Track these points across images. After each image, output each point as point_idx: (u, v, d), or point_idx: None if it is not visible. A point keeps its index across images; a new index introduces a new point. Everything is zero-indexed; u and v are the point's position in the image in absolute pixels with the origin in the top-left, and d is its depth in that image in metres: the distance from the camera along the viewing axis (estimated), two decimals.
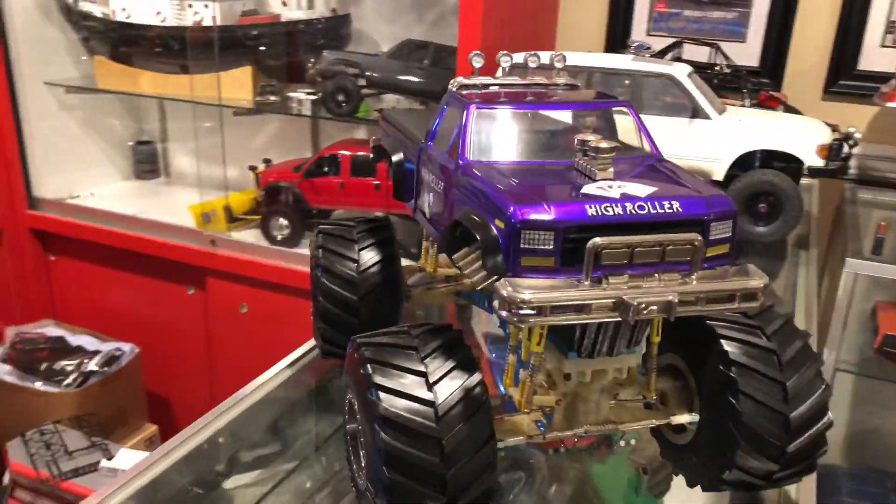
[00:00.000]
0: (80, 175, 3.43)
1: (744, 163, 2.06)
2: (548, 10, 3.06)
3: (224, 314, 3.07)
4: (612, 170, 0.97)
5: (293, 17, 3.04)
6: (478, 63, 1.20)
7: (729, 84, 2.77)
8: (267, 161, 3.08)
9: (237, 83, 2.98)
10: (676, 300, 0.88)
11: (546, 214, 0.89)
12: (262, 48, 2.98)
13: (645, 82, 2.06)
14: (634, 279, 0.89)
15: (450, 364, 0.94)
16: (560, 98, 1.17)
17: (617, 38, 3.08)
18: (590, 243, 0.87)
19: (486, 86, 1.20)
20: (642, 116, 2.02)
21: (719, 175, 2.03)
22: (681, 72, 2.04)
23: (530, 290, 0.86)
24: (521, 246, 0.89)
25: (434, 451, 0.89)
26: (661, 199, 0.92)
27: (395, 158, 1.30)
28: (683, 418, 1.08)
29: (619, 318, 0.88)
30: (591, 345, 0.99)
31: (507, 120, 1.10)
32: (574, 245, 0.88)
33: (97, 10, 3.10)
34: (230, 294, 3.01)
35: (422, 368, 0.93)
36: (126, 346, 3.07)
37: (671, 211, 0.92)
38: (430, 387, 0.92)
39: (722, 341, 1.03)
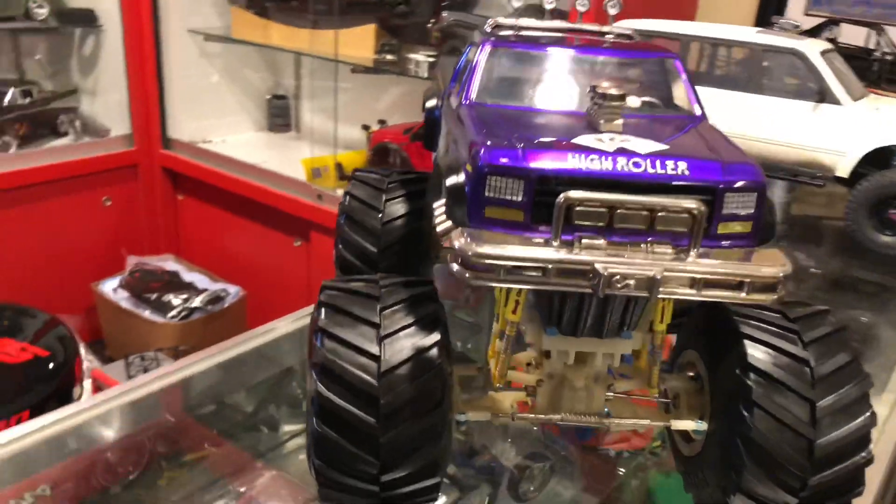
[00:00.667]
0: (215, 122, 3.58)
1: (882, 160, 1.79)
2: None
3: (325, 268, 3.09)
4: (619, 121, 0.83)
5: None
6: (518, 2, 1.09)
7: (892, 73, 2.44)
8: (382, 122, 3.06)
9: (360, 40, 2.97)
10: (660, 277, 0.73)
11: (517, 160, 0.77)
12: (388, 6, 2.95)
13: (767, 58, 1.82)
14: (615, 247, 0.75)
15: (409, 319, 0.84)
16: (592, 44, 1.03)
17: (768, 15, 2.78)
18: (560, 197, 0.74)
19: (523, 28, 1.08)
20: (759, 98, 1.83)
21: (844, 171, 1.77)
22: (812, 48, 1.79)
23: (487, 243, 0.75)
24: (487, 194, 0.78)
25: (371, 410, 0.80)
26: (664, 158, 0.78)
27: (428, 105, 1.21)
28: (687, 424, 0.92)
29: (589, 290, 0.75)
30: (572, 320, 0.85)
31: (524, 61, 0.98)
32: (550, 199, 0.76)
33: None
34: (332, 249, 3.03)
35: (376, 320, 0.84)
36: (233, 289, 3.18)
37: (674, 173, 0.77)
38: (380, 340, 0.83)
39: (745, 342, 0.86)
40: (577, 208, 0.75)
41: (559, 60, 0.98)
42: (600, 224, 0.75)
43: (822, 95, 1.75)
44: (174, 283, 3.17)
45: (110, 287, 3.15)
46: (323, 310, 0.86)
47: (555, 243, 0.75)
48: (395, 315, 0.85)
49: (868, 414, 0.84)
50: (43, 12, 3.21)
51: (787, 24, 2.14)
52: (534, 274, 0.75)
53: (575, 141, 0.80)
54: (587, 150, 0.78)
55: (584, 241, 0.75)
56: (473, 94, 0.95)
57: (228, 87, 3.66)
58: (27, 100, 3.16)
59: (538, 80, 0.97)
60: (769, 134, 1.79)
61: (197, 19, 3.41)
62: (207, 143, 3.52)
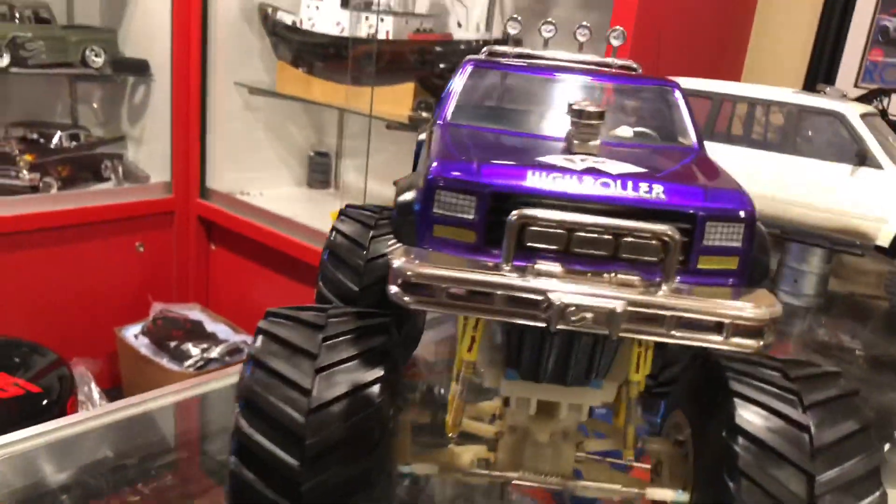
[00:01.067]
0: (255, 175, 3.60)
1: None
2: (734, 38, 2.76)
3: None
4: (596, 143, 0.75)
5: (464, 38, 2.99)
6: (513, 30, 1.03)
7: None
8: None
9: (398, 98, 2.97)
10: (622, 311, 0.63)
11: (471, 175, 0.69)
12: (428, 65, 2.95)
13: (804, 119, 1.72)
14: (574, 275, 0.66)
15: (351, 352, 0.76)
16: (584, 70, 0.95)
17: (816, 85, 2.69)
18: (512, 214, 0.66)
19: (519, 55, 1.02)
20: (794, 159, 1.72)
21: (885, 240, 1.63)
22: (851, 110, 1.68)
23: (429, 264, 0.67)
24: (436, 211, 0.70)
25: (294, 450, 0.71)
26: (638, 180, 0.69)
27: (418, 138, 1.15)
28: (664, 494, 0.80)
29: (542, 323, 0.65)
30: (532, 362, 0.75)
31: (506, 84, 0.91)
32: (504, 220, 0.68)
33: (288, 19, 3.26)
34: None
35: (313, 350, 0.76)
36: None
37: (647, 196, 0.68)
38: (314, 373, 0.74)
39: (734, 400, 0.75)
40: (532, 228, 0.66)
41: (544, 84, 0.91)
42: (558, 248, 0.67)
43: (862, 159, 1.63)
44: (196, 332, 3.14)
45: (132, 333, 3.13)
46: (260, 337, 0.78)
47: (506, 267, 0.66)
48: (337, 347, 0.77)
49: (878, 493, 0.71)
50: (99, 60, 3.32)
51: (835, 91, 2.04)
52: (480, 301, 0.66)
53: (541, 159, 0.72)
54: (551, 169, 0.70)
55: (537, 266, 0.66)
56: (448, 115, 0.88)
57: (271, 142, 3.70)
58: (73, 143, 3.23)
59: (520, 104, 0.90)
60: (805, 197, 1.68)
61: (245, 73, 3.47)
62: (245, 195, 3.53)
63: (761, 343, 0.65)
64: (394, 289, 0.68)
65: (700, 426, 0.80)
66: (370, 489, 0.72)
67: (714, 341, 0.65)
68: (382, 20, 2.99)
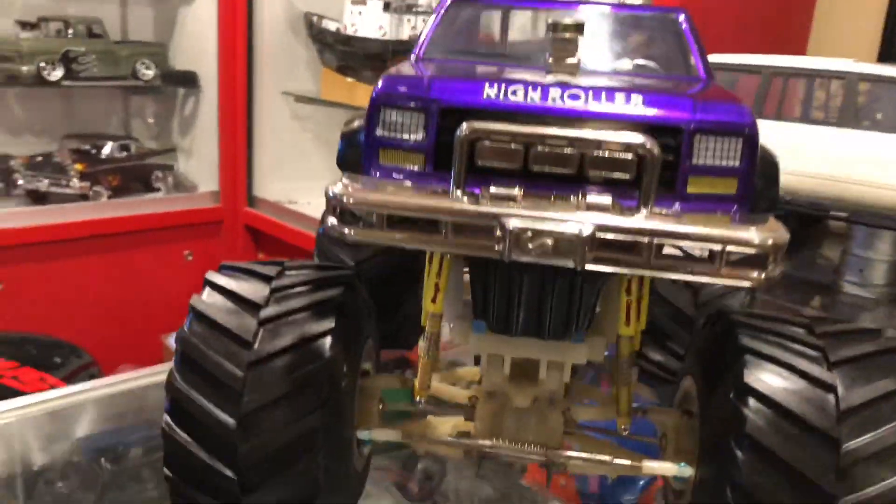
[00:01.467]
0: (303, 184, 3.57)
1: None
2: (795, 21, 2.61)
3: None
4: (574, 60, 0.65)
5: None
6: None
7: None
8: None
9: None
10: (588, 234, 0.53)
11: (418, 89, 0.61)
12: None
13: (867, 89, 1.57)
14: (534, 200, 0.56)
15: (301, 303, 0.68)
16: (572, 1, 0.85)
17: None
18: (461, 127, 0.57)
19: None
20: (855, 133, 1.57)
21: None
22: None
23: (368, 189, 0.58)
24: (380, 133, 0.62)
25: (231, 408, 0.64)
26: (613, 91, 0.59)
27: None
28: (664, 468, 0.68)
29: (496, 255, 0.56)
30: (502, 311, 0.66)
31: (488, 16, 0.82)
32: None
33: (332, 26, 3.24)
34: None
35: (259, 301, 0.68)
36: None
37: (625, 109, 0.58)
38: (259, 324, 0.67)
39: (745, 357, 0.63)
40: (485, 144, 0.57)
41: (529, 17, 0.82)
42: (516, 168, 0.57)
43: None
44: None
45: None
46: (206, 288, 0.71)
47: (455, 192, 0.57)
48: (288, 298, 0.69)
49: None
50: (149, 73, 3.37)
51: None
52: (426, 230, 0.57)
53: (504, 75, 0.63)
54: (512, 82, 0.60)
55: (492, 189, 0.56)
56: (422, 50, 0.80)
57: (319, 151, 3.68)
58: (123, 154, 3.28)
59: (502, 37, 0.81)
60: (866, 175, 1.52)
61: (292, 83, 3.46)
62: (293, 203, 3.51)
63: (763, 275, 0.54)
64: (331, 220, 0.60)
65: (708, 390, 0.68)
66: (315, 452, 0.64)
67: (704, 272, 0.55)
68: (424, 21, 2.94)
